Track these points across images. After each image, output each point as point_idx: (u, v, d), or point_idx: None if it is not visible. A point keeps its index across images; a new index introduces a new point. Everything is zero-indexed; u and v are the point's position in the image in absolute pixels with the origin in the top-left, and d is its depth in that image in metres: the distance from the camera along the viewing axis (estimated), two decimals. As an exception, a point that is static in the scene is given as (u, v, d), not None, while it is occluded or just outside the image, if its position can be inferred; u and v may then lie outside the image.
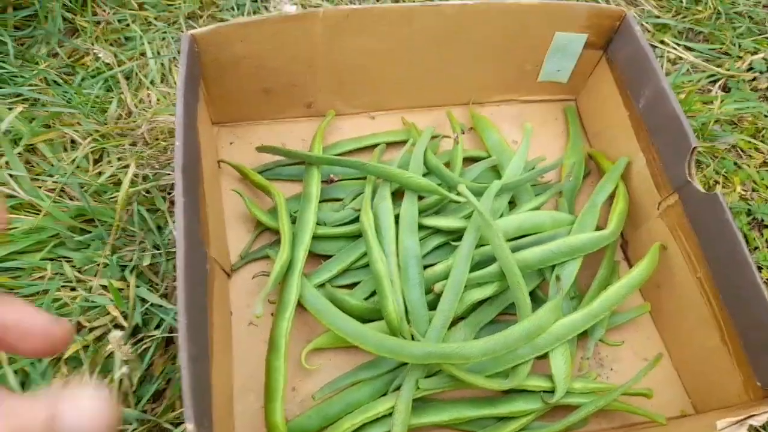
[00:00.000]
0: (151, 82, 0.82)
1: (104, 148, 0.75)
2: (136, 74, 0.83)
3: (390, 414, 0.58)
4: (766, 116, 0.92)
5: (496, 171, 0.76)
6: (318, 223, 0.69)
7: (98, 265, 0.66)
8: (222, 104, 0.73)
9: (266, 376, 0.59)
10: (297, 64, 0.70)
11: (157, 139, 0.76)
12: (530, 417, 0.60)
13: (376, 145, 0.76)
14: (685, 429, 0.57)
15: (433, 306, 0.63)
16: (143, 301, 0.65)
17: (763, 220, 0.82)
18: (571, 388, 0.61)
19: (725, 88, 0.96)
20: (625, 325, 0.69)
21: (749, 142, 0.89)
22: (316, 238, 0.67)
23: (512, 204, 0.73)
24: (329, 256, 0.68)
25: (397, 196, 0.70)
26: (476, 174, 0.74)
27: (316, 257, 0.68)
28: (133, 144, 0.76)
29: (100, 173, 0.73)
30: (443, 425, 0.60)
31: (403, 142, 0.76)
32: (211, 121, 0.75)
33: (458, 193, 0.67)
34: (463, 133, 0.79)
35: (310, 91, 0.75)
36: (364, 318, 0.64)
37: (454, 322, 0.65)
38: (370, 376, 0.62)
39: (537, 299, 0.67)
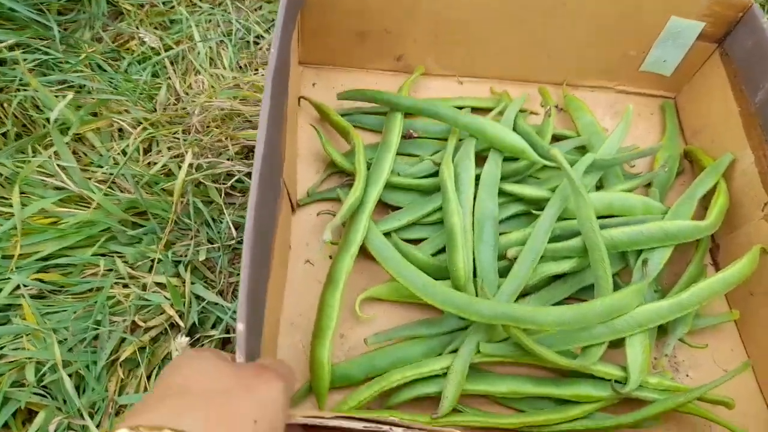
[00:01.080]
0: (200, 67, 0.79)
1: (154, 136, 0.71)
2: (184, 58, 0.80)
3: (444, 374, 0.54)
4: None
5: (584, 155, 0.71)
6: (394, 174, 0.65)
7: (152, 260, 0.62)
8: (313, 43, 0.72)
9: (318, 312, 0.55)
10: (397, 8, 0.68)
11: (208, 126, 0.73)
12: (595, 405, 0.55)
13: (462, 108, 0.73)
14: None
15: (503, 273, 0.59)
16: (199, 298, 0.61)
17: None
18: (645, 382, 0.55)
19: None
20: (707, 331, 0.63)
21: None
22: (389, 186, 0.64)
23: (599, 189, 0.68)
24: (400, 208, 0.64)
25: (479, 161, 0.66)
26: (564, 152, 0.69)
27: (385, 208, 0.65)
28: (185, 132, 0.72)
29: (150, 164, 0.69)
30: (499, 397, 0.56)
31: (490, 110, 0.73)
32: (298, 60, 0.73)
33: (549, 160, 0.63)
34: (557, 108, 0.75)
35: (404, 41, 0.72)
36: (429, 275, 0.60)
37: (523, 296, 0.60)
38: (427, 333, 0.58)
39: (616, 287, 0.62)
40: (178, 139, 0.71)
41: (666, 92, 0.80)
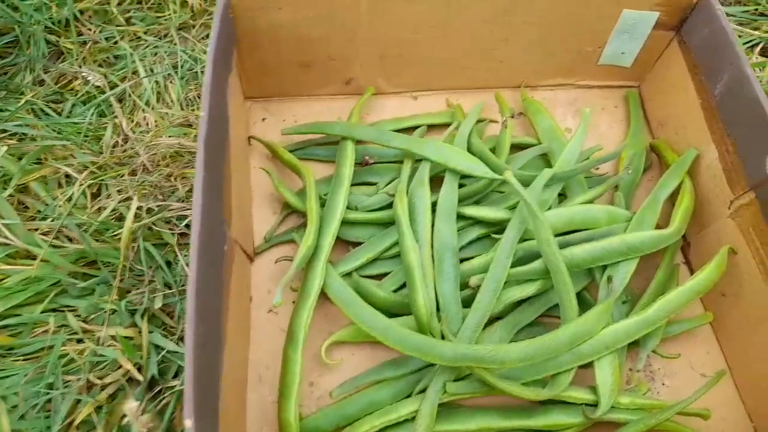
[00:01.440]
0: (146, 103, 0.77)
1: (102, 180, 0.69)
2: (130, 95, 0.77)
3: (413, 418, 0.53)
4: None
5: (546, 160, 0.70)
6: (349, 207, 0.64)
7: (106, 312, 0.61)
8: (256, 77, 0.70)
9: (282, 369, 0.55)
10: (338, 35, 0.65)
11: (158, 165, 0.71)
12: (569, 432, 0.54)
13: (416, 128, 0.71)
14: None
15: (467, 303, 0.58)
16: (158, 348, 0.60)
17: None
18: (617, 402, 0.54)
19: (766, 53, 0.86)
20: (683, 336, 0.62)
21: None
22: (345, 223, 0.63)
23: (562, 197, 0.67)
24: (359, 243, 0.63)
25: (436, 183, 0.64)
26: (524, 162, 0.68)
27: (344, 244, 0.64)
28: (133, 173, 0.70)
29: (100, 209, 0.67)
30: (471, 434, 0.55)
31: (447, 125, 0.71)
32: (243, 96, 0.71)
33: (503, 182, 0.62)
34: (513, 117, 0.73)
35: (351, 66, 0.70)
36: (392, 312, 0.59)
37: (490, 322, 0.59)
38: (394, 375, 0.57)
39: (584, 302, 0.61)
40: (127, 181, 0.70)
41: (629, 82, 0.78)
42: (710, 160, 0.63)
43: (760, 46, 0.86)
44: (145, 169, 0.70)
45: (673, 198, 0.64)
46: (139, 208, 0.65)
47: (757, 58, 0.85)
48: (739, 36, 0.87)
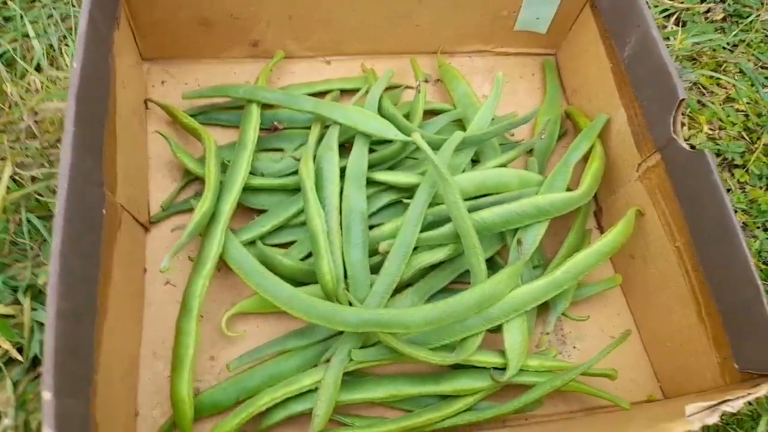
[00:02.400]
0: (37, 68, 0.70)
1: None
2: (23, 58, 0.70)
3: (317, 389, 0.51)
4: (725, 49, 0.86)
5: (462, 126, 0.68)
6: (255, 174, 0.61)
7: None
8: (153, 36, 0.65)
9: (175, 342, 0.51)
10: (238, -10, 0.62)
11: (47, 132, 0.65)
12: (477, 396, 0.53)
13: (329, 92, 0.68)
14: (651, 415, 0.50)
15: (377, 270, 0.56)
16: (43, 326, 0.55)
17: (733, 160, 0.76)
18: (526, 365, 0.54)
19: (680, 23, 0.88)
20: (593, 299, 0.62)
21: (710, 77, 0.83)
22: (251, 190, 0.60)
23: (476, 163, 0.65)
24: (265, 212, 0.60)
25: (346, 149, 0.62)
26: (438, 127, 0.66)
27: (249, 212, 0.61)
28: (16, 140, 0.64)
29: None
30: (377, 402, 0.53)
31: (359, 91, 0.68)
32: (140, 56, 0.66)
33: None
34: (428, 83, 0.71)
35: (256, 26, 0.66)
36: (300, 281, 0.57)
37: (401, 289, 0.57)
38: (299, 345, 0.54)
39: (496, 267, 0.60)
40: (7, 149, 0.63)
41: (545, 49, 0.77)
42: (620, 125, 0.63)
43: (675, 15, 0.88)
44: (30, 135, 0.64)
45: (584, 162, 0.64)
46: (20, 176, 0.59)
47: (672, 27, 0.87)
48: (656, 6, 0.88)
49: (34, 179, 0.61)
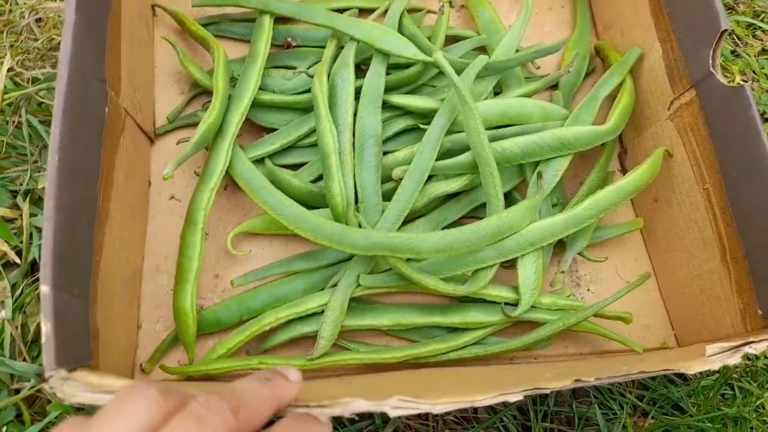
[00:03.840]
0: None
1: None
2: None
3: (322, 312, 0.49)
4: (763, -2, 0.81)
5: (485, 55, 0.65)
6: (266, 90, 0.58)
7: None
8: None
9: (179, 255, 0.50)
10: None
11: (49, 32, 0.62)
12: (486, 330, 0.51)
13: (347, 10, 0.64)
14: (666, 357, 0.49)
15: (389, 197, 0.53)
16: (41, 231, 0.53)
17: (764, 113, 0.72)
18: (538, 302, 0.52)
19: None
20: (611, 241, 0.60)
21: (747, 27, 0.79)
22: (261, 106, 0.57)
23: (498, 95, 0.62)
24: (275, 131, 0.57)
25: (362, 72, 0.58)
26: (461, 53, 0.63)
27: (259, 130, 0.58)
28: (16, 40, 0.61)
29: None
30: (383, 330, 0.52)
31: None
32: (150, -40, 0.63)
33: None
34: (452, 7, 0.67)
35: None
36: (309, 204, 0.54)
37: (413, 219, 0.55)
38: (305, 268, 0.53)
39: (513, 203, 0.57)
40: (7, 48, 0.61)
41: (578, -20, 0.73)
42: (654, 60, 0.59)
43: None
44: (31, 35, 0.61)
45: (613, 98, 0.61)
46: (19, 76, 0.57)
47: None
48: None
49: (35, 80, 0.58)
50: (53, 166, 0.37)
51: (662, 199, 0.58)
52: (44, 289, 0.34)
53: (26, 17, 0.61)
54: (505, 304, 0.52)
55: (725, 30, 0.50)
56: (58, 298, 0.34)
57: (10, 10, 0.63)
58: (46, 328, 0.33)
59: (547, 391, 0.36)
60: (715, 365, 0.39)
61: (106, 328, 0.42)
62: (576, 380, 0.36)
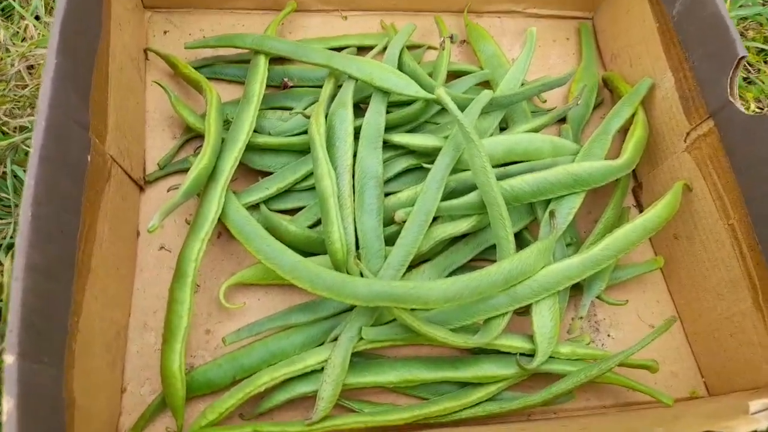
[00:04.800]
0: (34, 15, 0.64)
1: None
2: (17, 5, 0.65)
3: (322, 369, 0.46)
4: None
5: (489, 90, 0.62)
6: (262, 133, 0.55)
7: None
8: (155, -19, 0.59)
9: (167, 311, 0.46)
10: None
11: (40, 78, 0.59)
12: (500, 385, 0.47)
13: (345, 48, 0.62)
14: (701, 412, 0.44)
15: (392, 241, 0.50)
16: None
17: None
18: (556, 352, 0.48)
19: None
20: (631, 282, 0.56)
21: (758, 53, 0.76)
22: (255, 149, 0.54)
23: (504, 130, 0.59)
24: (271, 174, 0.55)
25: (361, 111, 0.56)
26: (464, 89, 0.60)
27: (253, 175, 0.55)
28: (5, 88, 0.59)
29: None
30: (389, 388, 0.48)
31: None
32: (142, 4, 0.61)
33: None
34: (453, 41, 0.65)
35: (266, -28, 0.60)
36: (307, 251, 0.51)
37: (418, 264, 0.52)
38: (303, 320, 0.49)
39: (524, 243, 0.54)
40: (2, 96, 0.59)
41: (582, 12, 0.71)
42: (666, 90, 0.56)
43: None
44: (21, 83, 0.59)
45: (625, 132, 0.58)
46: (6, 125, 0.54)
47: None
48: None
49: (22, 129, 0.56)
50: (26, 220, 0.34)
51: (683, 236, 0.55)
52: (8, 359, 0.31)
53: (16, 65, 0.59)
54: (520, 354, 0.48)
55: (743, 57, 0.47)
56: (24, 369, 0.31)
57: (1, 58, 0.62)
58: (8, 405, 0.29)
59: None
60: (762, 425, 0.35)
61: (85, 396, 0.38)
62: (606, 447, 0.32)
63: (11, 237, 0.53)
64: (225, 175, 0.49)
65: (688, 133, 0.54)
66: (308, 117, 0.54)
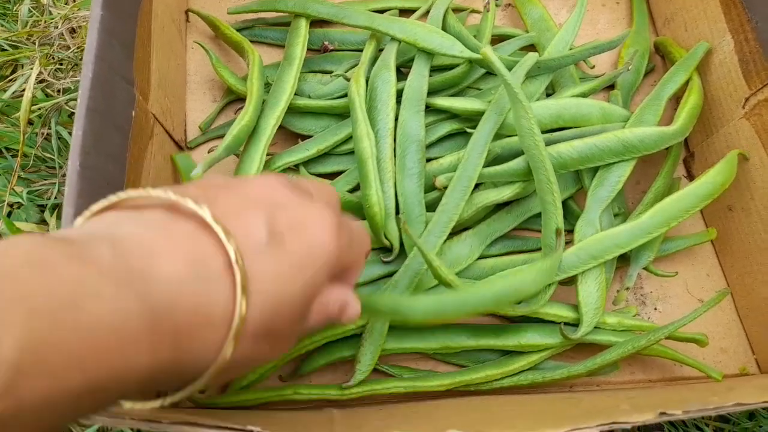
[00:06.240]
0: None
1: (16, 60, 0.59)
2: None
3: (361, 334, 0.45)
4: None
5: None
6: (302, 96, 0.55)
7: (10, 206, 0.52)
8: (197, -58, 0.59)
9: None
10: None
11: (83, 40, 0.60)
12: (543, 354, 0.46)
13: (387, 11, 0.61)
14: (754, 385, 0.43)
15: (434, 207, 0.49)
16: None
17: None
18: (602, 323, 0.47)
19: None
20: (680, 255, 0.54)
21: None
22: (296, 112, 0.54)
23: (551, 96, 0.57)
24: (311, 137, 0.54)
25: (403, 75, 0.55)
26: (509, 52, 0.58)
27: (293, 138, 0.55)
28: (49, 50, 0.59)
29: (14, 92, 0.57)
30: (429, 354, 0.47)
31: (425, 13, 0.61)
32: (183, -36, 0.61)
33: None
34: (498, 4, 0.63)
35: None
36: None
37: (459, 231, 0.51)
38: (344, 284, 0.48)
39: (570, 213, 0.52)
40: (40, 58, 0.59)
41: (634, -25, 0.67)
42: (724, 54, 0.54)
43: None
44: (63, 45, 0.59)
45: (678, 99, 0.55)
46: (49, 86, 0.55)
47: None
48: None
49: (65, 91, 0.56)
50: (74, 171, 0.34)
51: (738, 208, 0.52)
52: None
53: (59, 27, 0.59)
54: (564, 324, 0.47)
55: (813, 15, 0.45)
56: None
57: (44, 21, 0.62)
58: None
59: (628, 426, 0.31)
60: (824, 399, 0.33)
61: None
62: (661, 413, 0.31)
63: (56, 198, 0.53)
64: (267, 134, 0.49)
65: (747, 99, 0.51)
66: (348, 80, 0.53)
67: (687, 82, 0.55)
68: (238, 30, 0.58)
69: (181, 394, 0.25)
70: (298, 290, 0.25)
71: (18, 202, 0.52)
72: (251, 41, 0.58)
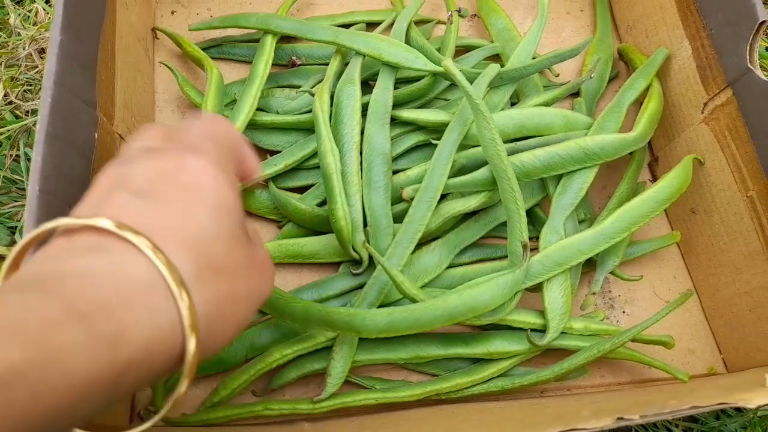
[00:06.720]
0: (44, 0, 0.64)
1: None
2: None
3: (331, 346, 0.46)
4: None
5: (500, 64, 0.61)
6: (269, 112, 0.55)
7: None
8: (162, -39, 0.59)
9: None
10: None
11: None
12: (512, 360, 0.47)
13: (353, 25, 0.61)
14: (718, 386, 0.43)
15: (401, 218, 0.50)
16: None
17: None
18: (569, 328, 0.47)
19: None
20: (646, 258, 0.55)
21: None
22: (263, 128, 0.54)
23: (515, 105, 0.58)
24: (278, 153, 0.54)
25: (369, 88, 0.55)
26: (473, 63, 0.59)
27: (262, 154, 0.55)
28: (17, 71, 0.59)
29: None
30: (400, 364, 0.48)
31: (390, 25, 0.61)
32: (148, -17, 0.61)
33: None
34: (462, 15, 0.63)
35: (272, -50, 0.60)
36: (316, 228, 0.51)
37: (428, 242, 0.51)
38: (314, 298, 0.49)
39: (536, 219, 0.53)
40: (12, 80, 0.59)
41: (596, -17, 0.69)
42: (683, 60, 0.55)
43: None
44: (31, 66, 0.59)
45: (640, 104, 0.57)
46: (19, 108, 0.55)
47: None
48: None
49: (34, 112, 0.56)
50: (33, 196, 0.34)
51: (701, 210, 0.53)
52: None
53: (26, 48, 0.59)
54: (532, 330, 0.47)
55: (763, 22, 0.46)
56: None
57: (12, 42, 0.62)
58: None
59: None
60: (779, 398, 0.34)
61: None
62: (618, 418, 0.32)
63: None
64: (232, 153, 0.49)
65: (705, 104, 0.52)
66: (314, 95, 0.53)
67: (648, 89, 0.56)
68: (208, 47, 0.58)
69: (170, 401, 0.25)
70: (203, 220, 0.26)
71: (-14, 226, 0.52)
72: (220, 58, 0.59)
